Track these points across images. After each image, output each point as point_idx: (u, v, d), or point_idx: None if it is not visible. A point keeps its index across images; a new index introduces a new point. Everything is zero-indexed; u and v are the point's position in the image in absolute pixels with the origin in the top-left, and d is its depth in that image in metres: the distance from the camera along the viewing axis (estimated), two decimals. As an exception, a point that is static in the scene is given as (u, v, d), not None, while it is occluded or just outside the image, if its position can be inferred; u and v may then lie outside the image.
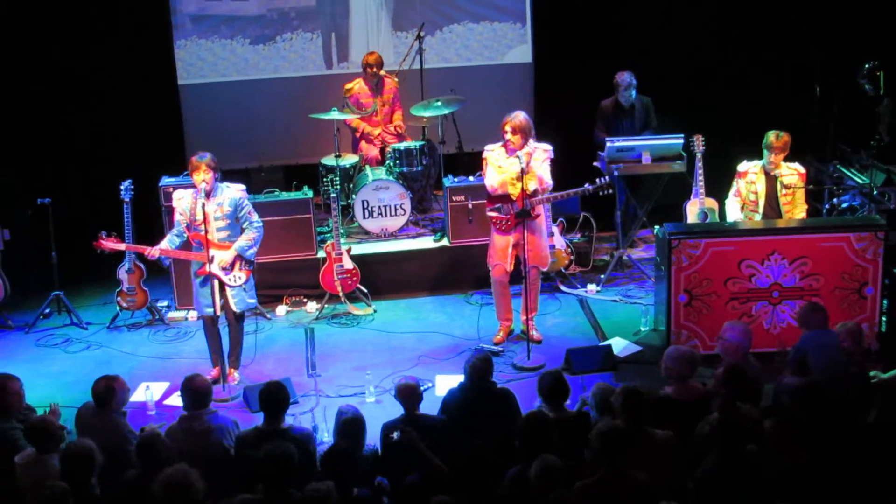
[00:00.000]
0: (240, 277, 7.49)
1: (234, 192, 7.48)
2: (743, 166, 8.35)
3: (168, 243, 7.46)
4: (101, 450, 5.42)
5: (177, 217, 7.50)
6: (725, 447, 5.15)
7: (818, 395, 5.66)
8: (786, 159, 8.22)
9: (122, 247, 7.77)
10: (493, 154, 7.92)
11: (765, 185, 8.23)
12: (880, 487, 5.10)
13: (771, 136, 8.14)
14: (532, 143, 7.83)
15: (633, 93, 9.58)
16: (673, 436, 5.50)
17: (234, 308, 7.56)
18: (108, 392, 6.09)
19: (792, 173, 8.22)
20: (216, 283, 7.43)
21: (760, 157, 8.26)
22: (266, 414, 5.91)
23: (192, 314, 8.83)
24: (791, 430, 5.21)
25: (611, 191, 8.24)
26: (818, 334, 6.55)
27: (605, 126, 9.67)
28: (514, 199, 7.82)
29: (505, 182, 7.83)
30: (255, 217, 7.55)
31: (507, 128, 7.78)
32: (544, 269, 8.25)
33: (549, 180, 7.91)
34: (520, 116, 7.80)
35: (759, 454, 5.22)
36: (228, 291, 7.50)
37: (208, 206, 7.33)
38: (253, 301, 7.75)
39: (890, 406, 5.77)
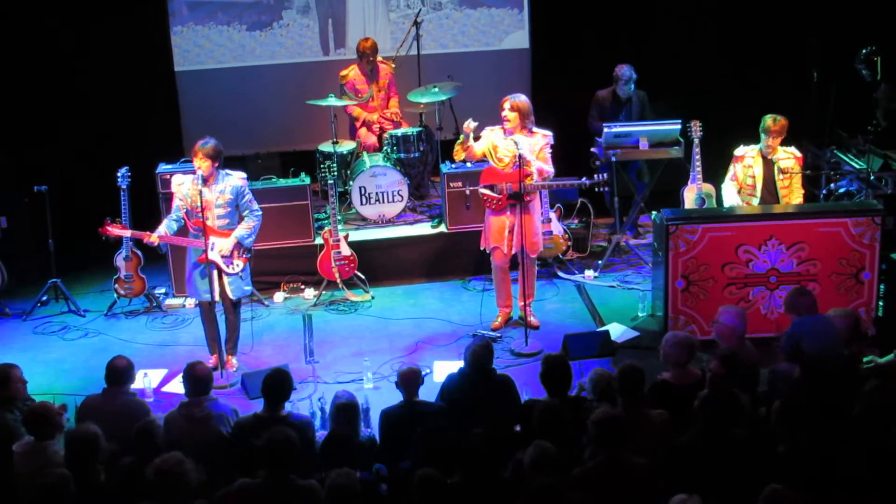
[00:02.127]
0: (238, 265, 7.50)
1: (235, 179, 7.48)
2: (740, 150, 8.35)
3: (166, 228, 7.47)
4: (124, 431, 5.49)
5: (176, 202, 7.50)
6: (710, 423, 5.19)
7: (814, 381, 5.67)
8: (782, 143, 8.23)
9: (127, 233, 7.81)
10: (492, 134, 7.92)
11: (762, 169, 8.23)
12: (866, 478, 5.10)
13: (768, 119, 8.15)
14: (532, 128, 7.84)
15: (633, 87, 9.57)
16: (668, 416, 5.51)
17: (230, 295, 7.57)
18: (130, 367, 6.17)
19: (788, 157, 8.23)
20: (214, 270, 7.43)
21: (757, 141, 8.26)
22: (267, 401, 5.90)
23: (190, 301, 8.83)
24: (792, 416, 5.22)
25: (607, 188, 8.28)
26: (810, 320, 6.52)
27: (600, 115, 9.66)
28: (500, 170, 7.82)
29: (486, 153, 7.84)
30: (255, 205, 7.56)
31: (506, 104, 7.79)
32: (533, 256, 8.22)
33: (549, 168, 7.91)
34: (520, 97, 7.85)
35: (745, 437, 5.24)
36: (225, 279, 7.51)
37: (210, 194, 7.33)
38: (249, 288, 7.76)
39: (875, 399, 5.77)
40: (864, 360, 6.90)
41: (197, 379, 5.96)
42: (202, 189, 7.23)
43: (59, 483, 4.95)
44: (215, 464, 5.51)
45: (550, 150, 7.95)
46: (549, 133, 7.95)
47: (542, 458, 4.92)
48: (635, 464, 5.06)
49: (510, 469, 5.23)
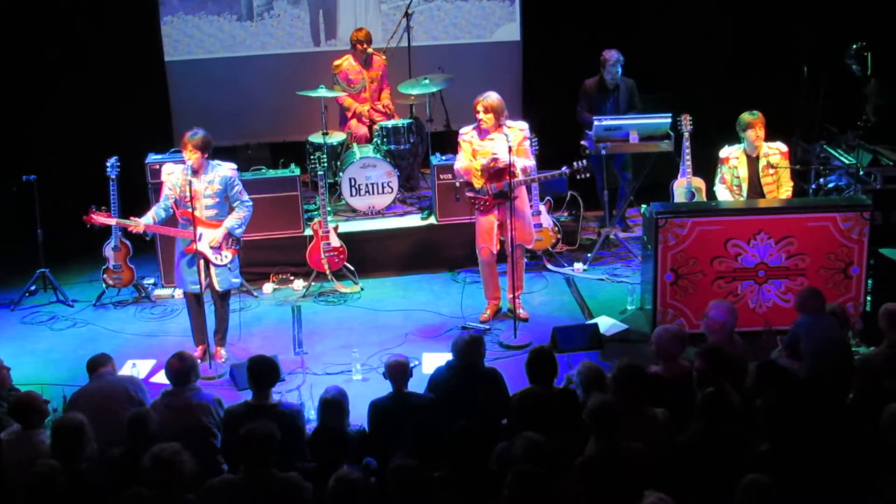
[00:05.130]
0: (226, 256, 7.49)
1: (225, 170, 7.45)
2: (724, 152, 8.30)
3: (153, 215, 7.45)
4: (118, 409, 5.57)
5: (165, 191, 7.48)
6: (709, 421, 5.21)
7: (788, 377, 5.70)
8: (767, 139, 8.20)
9: (112, 221, 7.76)
10: (467, 136, 7.93)
11: (747, 168, 8.20)
12: (856, 467, 5.12)
13: (747, 116, 8.10)
14: (507, 122, 7.83)
15: (620, 70, 9.56)
16: (670, 415, 5.51)
17: (217, 287, 7.55)
18: (109, 357, 6.26)
19: (774, 152, 8.21)
20: (202, 261, 7.42)
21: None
22: (254, 389, 5.90)
23: (179, 292, 8.81)
24: (777, 412, 5.24)
25: (588, 175, 8.26)
26: (813, 320, 6.51)
27: (588, 106, 9.64)
28: (478, 188, 7.85)
29: (469, 170, 7.84)
30: (245, 196, 7.54)
31: (479, 107, 7.77)
32: (529, 247, 8.24)
33: (531, 163, 7.91)
34: (492, 96, 7.79)
35: (740, 431, 5.26)
36: (213, 270, 7.49)
37: (199, 184, 7.31)
38: (237, 280, 7.75)
39: (866, 386, 5.80)
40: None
41: (172, 371, 5.96)
42: (191, 179, 7.21)
43: (49, 473, 4.94)
44: (195, 453, 5.50)
45: (528, 143, 7.94)
46: (526, 125, 7.94)
47: (531, 449, 4.92)
48: (634, 450, 5.07)
49: (496, 461, 5.22)
